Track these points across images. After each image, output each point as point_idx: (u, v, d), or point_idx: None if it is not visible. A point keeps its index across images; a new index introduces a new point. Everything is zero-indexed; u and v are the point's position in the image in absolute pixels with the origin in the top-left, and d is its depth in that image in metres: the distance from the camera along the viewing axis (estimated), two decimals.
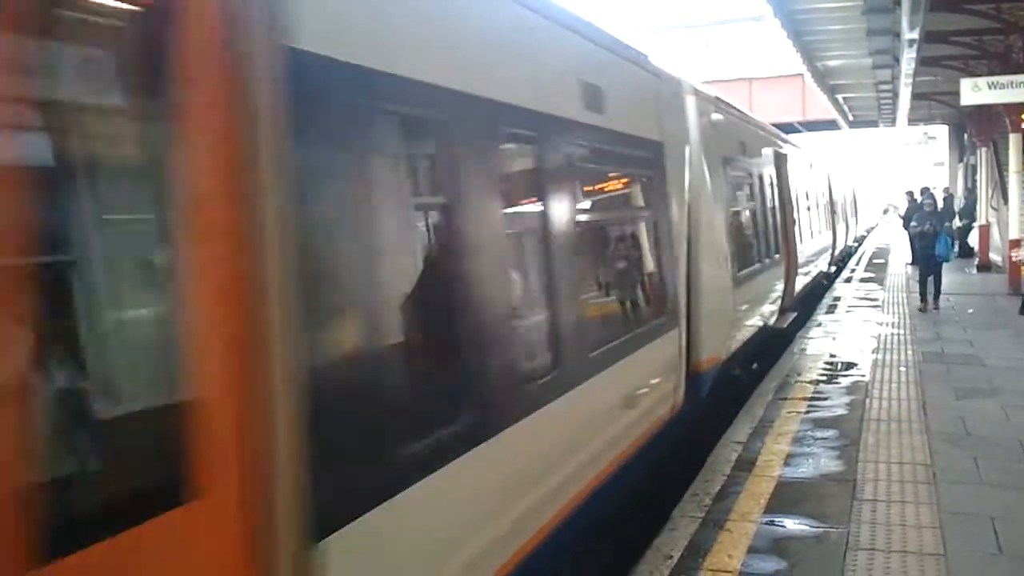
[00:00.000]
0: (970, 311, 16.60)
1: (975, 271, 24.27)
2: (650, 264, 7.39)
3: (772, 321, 13.01)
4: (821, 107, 34.96)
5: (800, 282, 15.84)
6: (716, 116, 10.31)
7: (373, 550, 3.31)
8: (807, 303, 17.23)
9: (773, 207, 13.90)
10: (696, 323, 8.30)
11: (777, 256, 13.51)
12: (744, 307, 10.56)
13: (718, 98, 10.76)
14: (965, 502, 6.75)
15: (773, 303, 13.07)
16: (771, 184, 13.93)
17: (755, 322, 11.51)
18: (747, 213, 11.80)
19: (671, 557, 5.92)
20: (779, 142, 16.20)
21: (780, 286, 13.66)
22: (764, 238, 12.70)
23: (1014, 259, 19.35)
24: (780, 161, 15.08)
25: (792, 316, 14.39)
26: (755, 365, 11.98)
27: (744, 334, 10.63)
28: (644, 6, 57.75)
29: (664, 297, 7.48)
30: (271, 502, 2.80)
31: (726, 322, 9.51)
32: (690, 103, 9.05)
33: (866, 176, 58.11)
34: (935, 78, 22.82)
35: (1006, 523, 6.27)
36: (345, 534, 3.10)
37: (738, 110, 12.60)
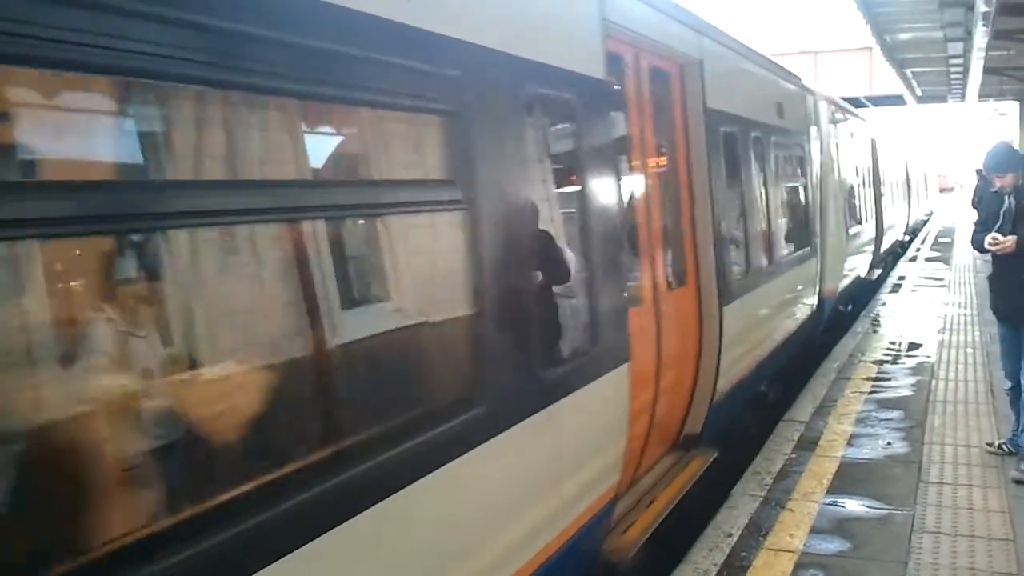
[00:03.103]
0: None
1: None
2: (807, 214, 10.83)
3: (864, 273, 16.20)
4: (888, 81, 34.20)
5: (885, 244, 19.91)
6: (838, 115, 13.73)
7: (731, 317, 5.99)
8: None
9: (872, 183, 17.85)
10: (822, 263, 11.25)
11: (871, 222, 17.24)
12: (851, 257, 13.97)
13: (838, 99, 14.36)
14: None
15: (866, 259, 16.53)
16: (867, 165, 17.51)
17: (855, 271, 14.72)
18: (854, 187, 15.17)
19: (731, 535, 5.89)
20: (877, 133, 20.02)
21: (871, 246, 17.16)
22: (863, 207, 16.21)
23: None
24: (874, 145, 18.64)
25: (878, 272, 18.46)
26: (850, 306, 14.76)
27: (849, 279, 13.80)
28: None
29: (811, 236, 10.74)
30: None
31: (840, 266, 12.82)
32: (823, 106, 12.22)
33: (932, 153, 56.77)
34: (1008, 52, 22.13)
35: None
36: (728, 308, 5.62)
37: (852, 110, 16.51)
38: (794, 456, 7.44)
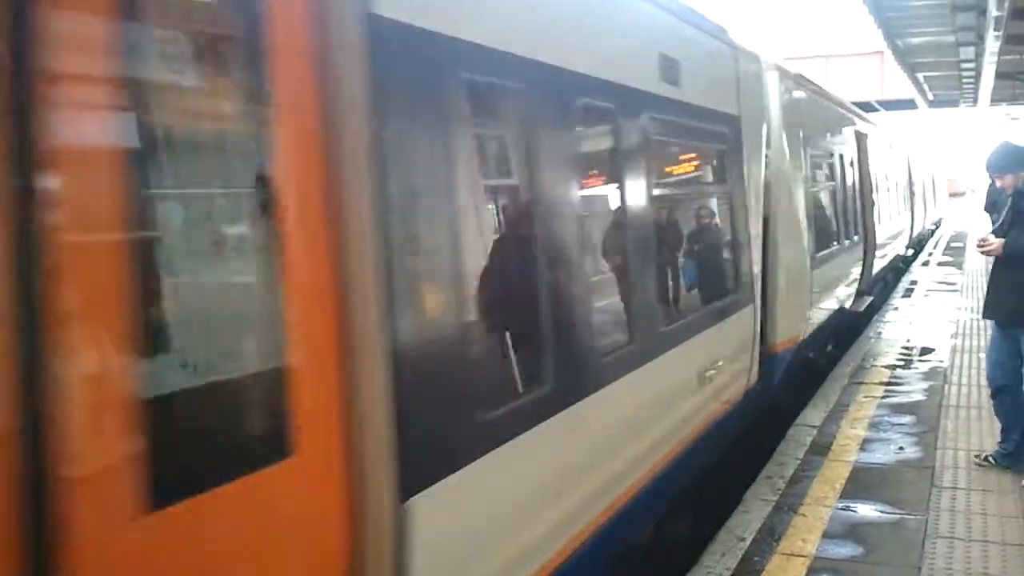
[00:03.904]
0: None
1: None
2: (723, 240, 7.32)
3: (848, 304, 12.93)
4: (900, 86, 34.15)
5: (877, 265, 15.65)
6: (798, 94, 10.13)
7: (457, 509, 3.40)
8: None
9: (858, 189, 13.97)
10: (772, 303, 8.22)
11: (856, 238, 13.29)
12: (820, 289, 10.31)
13: (801, 75, 10.53)
14: None
15: (850, 285, 12.97)
16: (851, 165, 13.65)
17: (831, 305, 11.28)
18: (827, 193, 11.66)
19: (744, 539, 5.88)
20: (866, 127, 15.93)
21: (857, 269, 13.51)
22: (843, 219, 12.50)
23: None
24: (861, 141, 14.70)
25: (868, 300, 14.25)
26: (830, 347, 11.90)
27: (820, 316, 10.40)
28: None
29: (737, 273, 7.34)
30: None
31: (803, 303, 9.36)
32: (771, 80, 8.83)
33: (942, 157, 56.45)
34: (1021, 56, 22.09)
35: None
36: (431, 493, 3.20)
37: (827, 93, 12.83)
38: (807, 461, 7.42)
